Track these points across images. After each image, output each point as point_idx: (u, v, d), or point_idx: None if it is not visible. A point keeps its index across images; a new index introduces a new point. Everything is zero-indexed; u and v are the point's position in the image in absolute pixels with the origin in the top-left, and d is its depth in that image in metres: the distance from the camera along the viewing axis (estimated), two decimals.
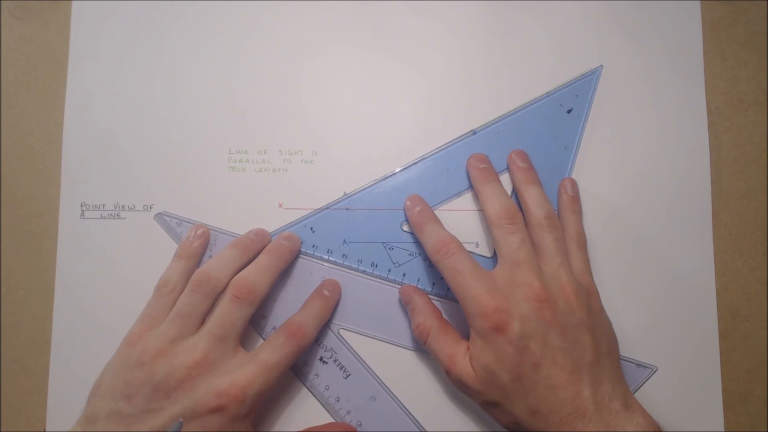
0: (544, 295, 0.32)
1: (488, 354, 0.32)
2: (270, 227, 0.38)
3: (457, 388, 0.34)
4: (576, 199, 0.38)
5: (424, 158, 0.39)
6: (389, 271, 0.38)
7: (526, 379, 0.31)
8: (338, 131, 0.39)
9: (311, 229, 0.38)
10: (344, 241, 0.38)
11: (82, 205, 0.38)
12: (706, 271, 0.38)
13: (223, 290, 0.34)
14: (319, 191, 0.38)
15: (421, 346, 0.36)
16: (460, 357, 0.33)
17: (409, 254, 0.38)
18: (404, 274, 0.38)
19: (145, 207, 0.38)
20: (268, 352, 0.33)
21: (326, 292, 0.37)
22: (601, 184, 0.39)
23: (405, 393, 0.37)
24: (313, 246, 0.38)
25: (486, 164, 0.38)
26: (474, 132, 0.39)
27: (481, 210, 0.37)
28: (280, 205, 0.38)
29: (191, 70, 0.39)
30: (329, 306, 0.37)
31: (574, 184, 0.38)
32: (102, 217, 0.38)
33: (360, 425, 0.36)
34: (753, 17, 0.40)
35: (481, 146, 0.39)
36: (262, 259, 0.36)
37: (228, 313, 0.33)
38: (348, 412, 0.36)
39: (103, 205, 0.38)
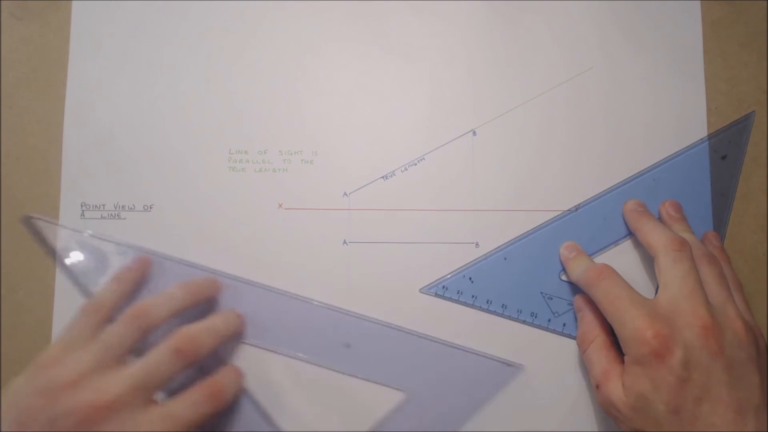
0: (711, 324, 0.30)
1: (644, 381, 0.30)
2: (270, 227, 0.38)
3: (604, 408, 0.32)
4: (723, 249, 0.37)
5: (581, 206, 0.38)
6: (549, 321, 0.37)
7: (685, 412, 0.29)
8: (338, 131, 0.39)
9: (470, 279, 0.38)
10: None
11: (82, 205, 0.38)
12: None
13: (157, 328, 0.32)
14: (319, 191, 0.38)
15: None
16: (615, 375, 0.31)
17: (568, 304, 0.37)
18: (564, 324, 0.37)
19: (145, 207, 0.38)
20: (181, 408, 0.30)
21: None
22: (600, 184, 0.39)
23: None
24: (473, 296, 0.38)
25: (643, 208, 0.37)
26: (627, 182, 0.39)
27: (643, 245, 0.36)
28: (280, 205, 0.38)
29: (191, 70, 0.39)
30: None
31: (717, 237, 0.38)
32: (102, 217, 0.38)
33: None
34: (753, 17, 0.40)
35: (635, 196, 0.38)
36: (215, 322, 0.34)
37: (162, 364, 0.30)
38: None
39: (103, 205, 0.38)
